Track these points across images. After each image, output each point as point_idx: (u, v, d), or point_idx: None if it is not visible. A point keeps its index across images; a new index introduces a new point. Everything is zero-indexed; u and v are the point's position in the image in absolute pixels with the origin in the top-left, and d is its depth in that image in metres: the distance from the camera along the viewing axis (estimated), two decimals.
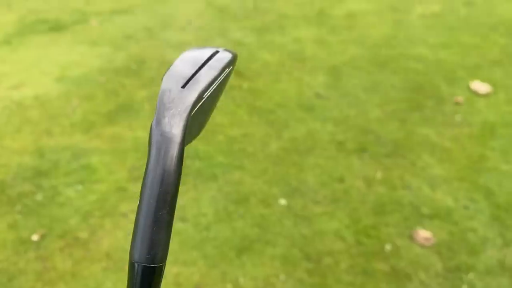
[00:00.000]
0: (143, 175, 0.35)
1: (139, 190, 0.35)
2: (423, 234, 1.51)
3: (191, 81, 0.38)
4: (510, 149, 1.84)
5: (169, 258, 1.50)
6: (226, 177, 1.74)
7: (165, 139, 0.35)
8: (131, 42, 2.78)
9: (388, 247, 1.49)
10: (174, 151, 0.36)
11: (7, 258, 1.50)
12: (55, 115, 2.15)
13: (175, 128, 0.36)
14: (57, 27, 3.00)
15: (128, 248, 1.25)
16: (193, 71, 0.39)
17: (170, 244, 1.33)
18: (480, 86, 2.17)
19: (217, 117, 2.07)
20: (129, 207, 1.64)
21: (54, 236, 1.57)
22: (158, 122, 0.36)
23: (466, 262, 1.43)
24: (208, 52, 0.42)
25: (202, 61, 0.41)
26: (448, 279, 1.39)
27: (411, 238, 1.51)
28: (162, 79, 0.40)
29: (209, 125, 1.81)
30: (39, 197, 1.71)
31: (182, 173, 0.37)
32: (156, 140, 0.35)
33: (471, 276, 1.40)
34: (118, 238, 1.55)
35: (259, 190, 1.69)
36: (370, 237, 1.53)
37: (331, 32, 2.81)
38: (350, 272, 1.43)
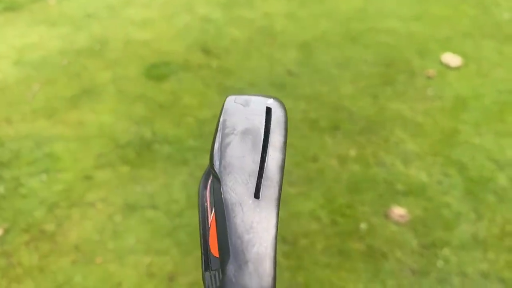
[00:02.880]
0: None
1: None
2: (398, 211, 1.50)
3: (263, 183, 0.29)
4: (482, 122, 1.84)
5: (141, 247, 1.45)
6: (198, 161, 1.69)
7: None
8: (92, 21, 2.65)
9: (363, 226, 1.48)
10: None
11: None
12: (14, 101, 2.04)
13: (266, 279, 0.26)
14: (12, 7, 2.83)
15: (98, 239, 1.19)
16: (258, 159, 0.30)
17: (141, 233, 1.27)
18: (451, 59, 2.15)
19: (185, 98, 2.00)
20: (97, 196, 1.58)
21: (19, 230, 1.50)
22: (241, 271, 0.25)
23: (440, 237, 1.43)
24: (260, 111, 0.32)
25: (261, 136, 0.31)
26: (424, 255, 1.39)
27: (386, 216, 1.50)
28: (214, 168, 0.29)
29: (177, 108, 1.74)
30: (0, 189, 1.63)
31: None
32: None
33: (446, 251, 1.40)
34: (86, 229, 1.49)
35: None
36: (345, 217, 1.51)
37: (301, 6, 2.74)
38: (326, 253, 1.42)
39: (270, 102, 0.34)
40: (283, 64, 2.20)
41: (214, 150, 0.32)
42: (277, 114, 0.34)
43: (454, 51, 2.22)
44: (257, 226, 0.27)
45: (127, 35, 2.49)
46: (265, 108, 0.34)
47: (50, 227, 1.51)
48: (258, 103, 0.34)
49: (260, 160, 0.31)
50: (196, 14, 2.68)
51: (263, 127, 0.32)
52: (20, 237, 1.48)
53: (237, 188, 0.29)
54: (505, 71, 2.12)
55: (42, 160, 1.73)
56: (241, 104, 0.34)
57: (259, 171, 0.30)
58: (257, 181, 0.29)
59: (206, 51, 2.32)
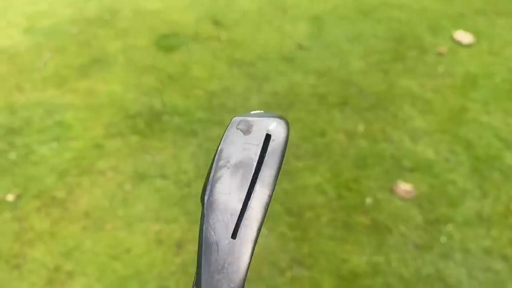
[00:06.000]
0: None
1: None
2: (403, 187, 1.52)
3: (243, 223, 0.31)
4: (491, 100, 1.83)
5: (150, 215, 1.48)
6: (206, 133, 1.71)
7: None
8: None
9: (368, 200, 1.50)
10: None
11: None
12: (25, 69, 2.05)
13: None
14: None
15: (108, 206, 1.22)
16: (243, 197, 0.31)
17: (150, 202, 1.30)
18: (463, 36, 2.13)
19: (195, 70, 2.00)
20: (107, 165, 1.60)
21: (30, 196, 1.53)
22: None
23: (445, 214, 1.45)
24: (258, 139, 0.33)
25: (252, 170, 0.32)
26: (428, 231, 1.41)
27: (392, 191, 1.52)
28: (203, 203, 0.31)
29: (187, 79, 1.74)
30: (12, 155, 1.65)
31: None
32: None
33: (449, 227, 1.42)
34: (96, 196, 1.52)
35: None
36: (351, 191, 1.53)
37: None
38: (331, 225, 1.44)
39: (272, 128, 0.34)
40: (294, 37, 2.19)
41: (207, 182, 0.33)
42: (276, 142, 0.34)
43: (466, 29, 2.20)
44: (228, 267, 0.30)
45: (137, 4, 2.48)
46: (264, 135, 0.34)
47: (60, 194, 1.54)
48: (259, 129, 0.34)
49: (245, 197, 0.32)
50: None
51: (257, 159, 0.33)
52: (31, 203, 1.52)
53: (217, 227, 0.31)
54: None
55: (53, 128, 1.75)
56: (241, 131, 0.34)
57: (241, 209, 0.31)
58: (237, 220, 0.31)
59: (216, 22, 2.31)
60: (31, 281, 1.33)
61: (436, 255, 1.35)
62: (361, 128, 1.73)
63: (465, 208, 1.47)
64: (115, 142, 1.67)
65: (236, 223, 0.31)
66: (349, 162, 1.61)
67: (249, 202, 0.31)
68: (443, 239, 1.39)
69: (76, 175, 1.58)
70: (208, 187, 0.32)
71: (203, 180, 0.36)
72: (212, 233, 0.31)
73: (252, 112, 0.37)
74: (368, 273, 1.32)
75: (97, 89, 1.92)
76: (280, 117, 0.36)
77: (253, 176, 0.32)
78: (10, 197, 1.52)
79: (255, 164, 0.33)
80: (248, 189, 0.32)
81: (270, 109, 1.81)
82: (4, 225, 1.45)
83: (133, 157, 1.62)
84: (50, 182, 1.57)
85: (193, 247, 1.37)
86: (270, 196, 0.32)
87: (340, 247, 1.38)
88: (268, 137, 0.34)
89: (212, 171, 0.33)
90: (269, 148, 0.33)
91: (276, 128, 0.34)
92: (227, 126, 0.35)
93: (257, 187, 0.32)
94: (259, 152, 0.33)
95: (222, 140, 0.34)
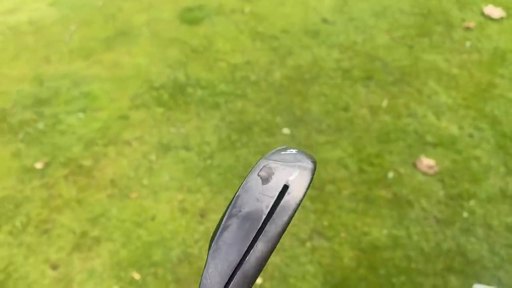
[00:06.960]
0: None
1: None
2: (426, 162, 1.51)
3: (235, 279, 0.31)
4: None
5: (174, 185, 1.50)
6: (229, 106, 1.72)
7: None
8: None
9: (391, 174, 1.50)
10: None
11: (13, 186, 1.52)
12: (52, 41, 2.09)
13: None
14: None
15: (133, 175, 1.25)
16: (243, 251, 0.32)
17: (175, 172, 1.33)
18: (493, 11, 2.07)
19: (218, 43, 2.00)
20: (132, 135, 1.63)
21: (58, 164, 1.57)
22: None
23: (468, 189, 1.44)
24: (274, 191, 0.32)
25: (259, 225, 0.32)
26: (449, 206, 1.41)
27: (414, 166, 1.51)
28: (209, 247, 0.33)
29: (210, 52, 1.75)
30: (40, 125, 1.70)
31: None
32: None
33: (472, 203, 1.41)
34: (122, 166, 1.55)
35: (262, 119, 1.68)
36: (373, 165, 1.53)
37: None
38: (353, 199, 1.45)
39: (292, 179, 0.33)
40: (318, 11, 2.17)
41: (217, 227, 0.33)
42: (291, 196, 0.33)
43: (497, 3, 2.13)
44: None
45: None
46: (281, 187, 0.33)
47: (87, 162, 1.58)
48: (279, 179, 0.33)
49: (246, 251, 0.32)
50: None
51: (267, 212, 0.32)
52: (59, 170, 1.56)
53: (214, 276, 0.32)
54: None
55: (79, 99, 1.79)
56: (261, 178, 0.34)
57: (238, 263, 0.32)
58: (231, 274, 0.32)
59: None
60: (59, 245, 1.38)
61: (458, 230, 1.35)
62: (385, 103, 1.72)
63: (489, 184, 1.46)
64: (140, 113, 1.70)
65: (231, 275, 0.32)
66: (372, 137, 1.61)
67: (247, 257, 0.32)
68: (465, 214, 1.39)
69: (102, 144, 1.62)
70: (218, 233, 0.33)
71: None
72: (209, 281, 0.32)
73: (284, 152, 0.36)
74: (389, 246, 1.33)
75: (122, 61, 1.95)
76: (307, 163, 0.34)
77: (258, 231, 0.32)
78: (38, 165, 1.57)
79: (263, 217, 0.32)
80: (250, 243, 0.32)
81: (293, 83, 1.81)
82: (33, 192, 1.51)
83: (157, 128, 1.65)
84: (77, 151, 1.61)
85: (215, 217, 1.40)
86: (270, 252, 0.32)
87: (361, 220, 1.39)
88: (285, 188, 0.33)
89: (224, 217, 0.33)
90: (282, 202, 0.32)
91: (296, 179, 0.33)
92: (253, 166, 0.35)
93: (259, 242, 0.32)
94: (270, 205, 0.32)
95: (242, 184, 0.34)
